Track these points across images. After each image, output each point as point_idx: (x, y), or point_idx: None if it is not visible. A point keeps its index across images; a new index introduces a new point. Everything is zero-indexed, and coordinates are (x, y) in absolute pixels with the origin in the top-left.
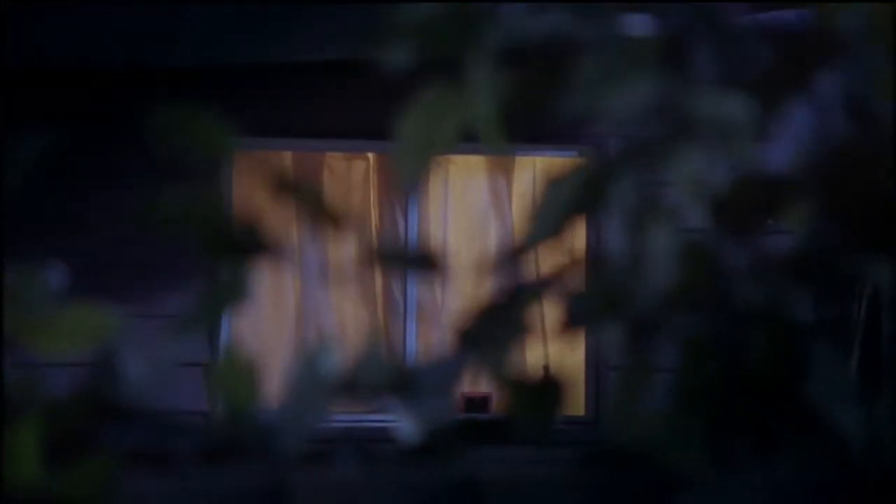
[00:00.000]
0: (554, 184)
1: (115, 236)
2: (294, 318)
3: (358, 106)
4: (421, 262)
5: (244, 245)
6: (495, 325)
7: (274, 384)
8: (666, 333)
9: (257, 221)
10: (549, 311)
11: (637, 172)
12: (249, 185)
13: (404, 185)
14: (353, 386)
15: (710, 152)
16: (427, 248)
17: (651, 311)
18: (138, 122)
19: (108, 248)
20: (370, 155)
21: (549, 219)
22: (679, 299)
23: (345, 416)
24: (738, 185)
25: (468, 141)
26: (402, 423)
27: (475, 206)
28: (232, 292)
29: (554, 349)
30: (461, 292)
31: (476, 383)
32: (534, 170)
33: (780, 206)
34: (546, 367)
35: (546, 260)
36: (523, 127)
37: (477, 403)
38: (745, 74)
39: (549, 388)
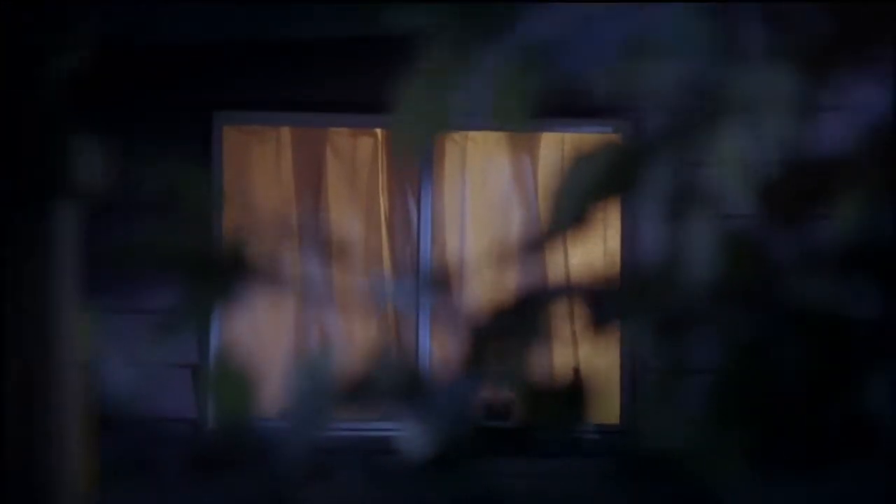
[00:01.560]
0: (579, 161)
1: (98, 225)
2: (294, 320)
3: (365, 75)
4: (435, 286)
5: (231, 270)
6: (513, 328)
7: (271, 391)
8: (706, 332)
9: (245, 244)
10: (580, 309)
11: (676, 152)
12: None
13: (403, 163)
14: (365, 392)
15: (756, 130)
16: (440, 270)
17: (689, 307)
18: (131, 103)
19: (92, 237)
20: (378, 131)
21: (573, 201)
22: (721, 294)
23: (349, 425)
24: (787, 167)
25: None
26: (415, 433)
27: (496, 189)
28: (216, 300)
29: (587, 351)
30: (480, 288)
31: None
32: (562, 148)
33: (834, 191)
34: (576, 370)
35: (575, 248)
36: (549, 101)
37: (498, 410)
38: (797, 47)
39: (573, 394)
